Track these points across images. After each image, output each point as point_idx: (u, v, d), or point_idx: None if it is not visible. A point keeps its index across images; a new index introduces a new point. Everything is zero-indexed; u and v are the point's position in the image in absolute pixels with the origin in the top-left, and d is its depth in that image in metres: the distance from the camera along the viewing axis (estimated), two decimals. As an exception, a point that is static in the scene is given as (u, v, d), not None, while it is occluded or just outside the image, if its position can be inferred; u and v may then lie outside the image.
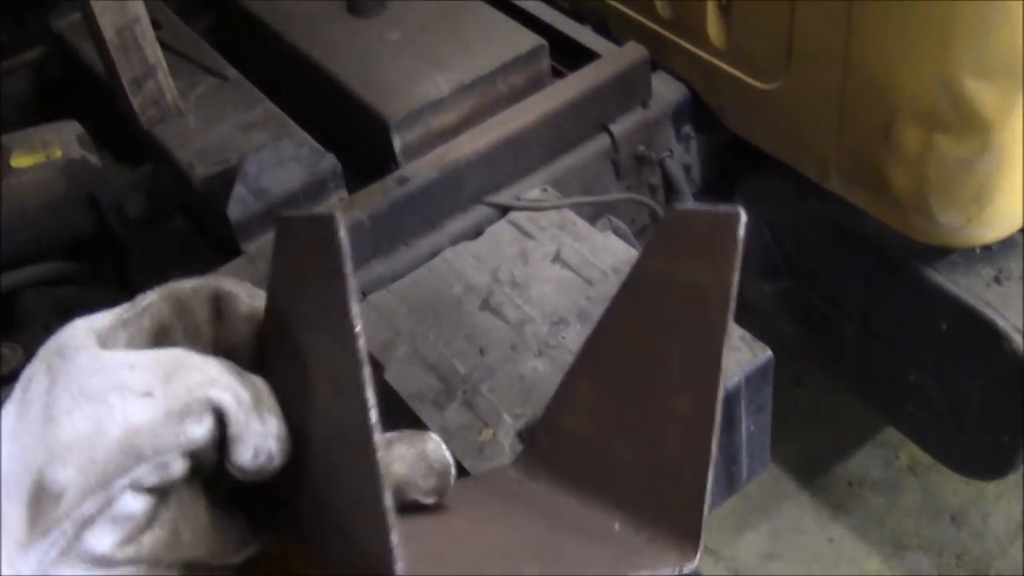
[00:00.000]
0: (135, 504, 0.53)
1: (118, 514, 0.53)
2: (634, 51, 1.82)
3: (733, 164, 1.91)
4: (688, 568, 0.54)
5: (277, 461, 0.56)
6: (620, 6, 1.89)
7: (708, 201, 1.98)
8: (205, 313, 0.59)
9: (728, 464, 1.51)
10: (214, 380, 0.54)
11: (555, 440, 0.69)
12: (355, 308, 0.50)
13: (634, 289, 0.65)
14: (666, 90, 1.86)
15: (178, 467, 0.54)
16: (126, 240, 1.68)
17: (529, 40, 1.81)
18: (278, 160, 1.63)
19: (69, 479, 0.52)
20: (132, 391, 0.52)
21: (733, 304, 0.57)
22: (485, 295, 1.56)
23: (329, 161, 1.65)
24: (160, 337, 0.58)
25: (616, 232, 1.74)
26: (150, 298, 0.58)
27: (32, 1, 2.16)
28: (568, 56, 1.87)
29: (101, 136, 1.84)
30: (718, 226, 0.58)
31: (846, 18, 1.44)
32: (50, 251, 1.73)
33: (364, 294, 1.61)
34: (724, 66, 1.73)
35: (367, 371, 0.49)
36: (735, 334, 0.54)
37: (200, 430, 0.53)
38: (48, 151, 1.73)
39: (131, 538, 0.53)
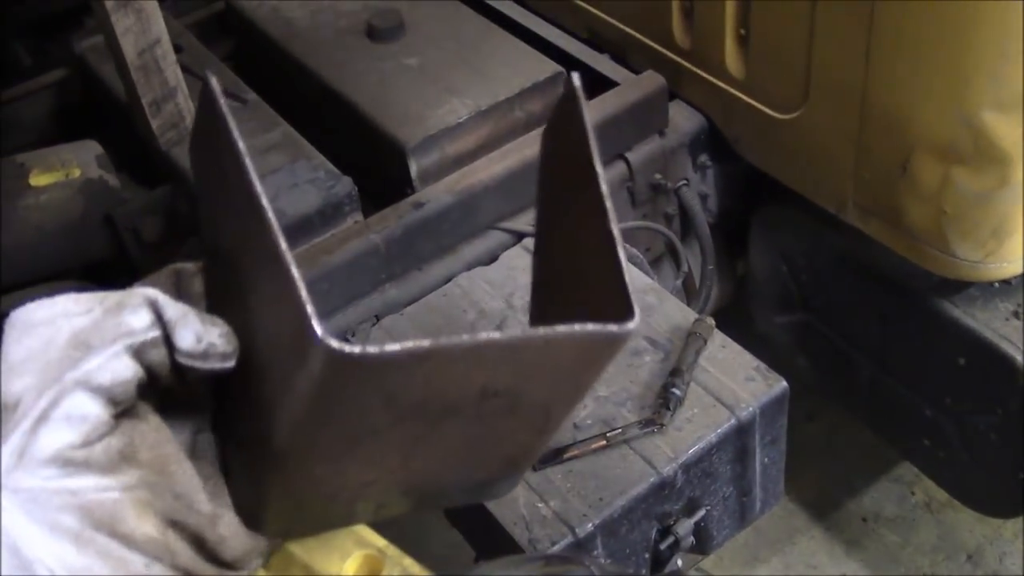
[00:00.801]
0: (91, 406, 0.56)
1: (73, 413, 0.55)
2: (652, 80, 1.82)
3: (749, 195, 1.90)
4: (631, 325, 0.64)
5: (228, 355, 0.61)
6: (638, 35, 1.89)
7: (724, 232, 1.98)
8: (170, 288, 0.66)
9: (741, 496, 1.50)
10: (147, 289, 0.61)
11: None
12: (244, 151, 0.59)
13: (544, 174, 0.86)
14: (683, 119, 1.86)
15: (127, 366, 0.57)
16: (141, 262, 1.68)
17: (547, 67, 1.81)
18: (294, 182, 1.64)
19: (25, 386, 0.55)
20: (76, 313, 0.58)
21: (592, 137, 0.75)
22: (499, 321, 1.56)
23: (345, 184, 1.65)
24: None
25: (631, 261, 1.73)
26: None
27: (54, 23, 2.19)
28: (586, 84, 1.87)
29: (120, 157, 1.85)
30: (563, 94, 0.80)
31: (864, 51, 1.44)
32: (66, 272, 1.73)
33: (377, 318, 1.61)
34: (742, 96, 1.73)
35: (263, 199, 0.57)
36: (599, 163, 0.73)
37: (138, 320, 0.58)
38: (67, 170, 1.74)
39: (86, 442, 0.55)
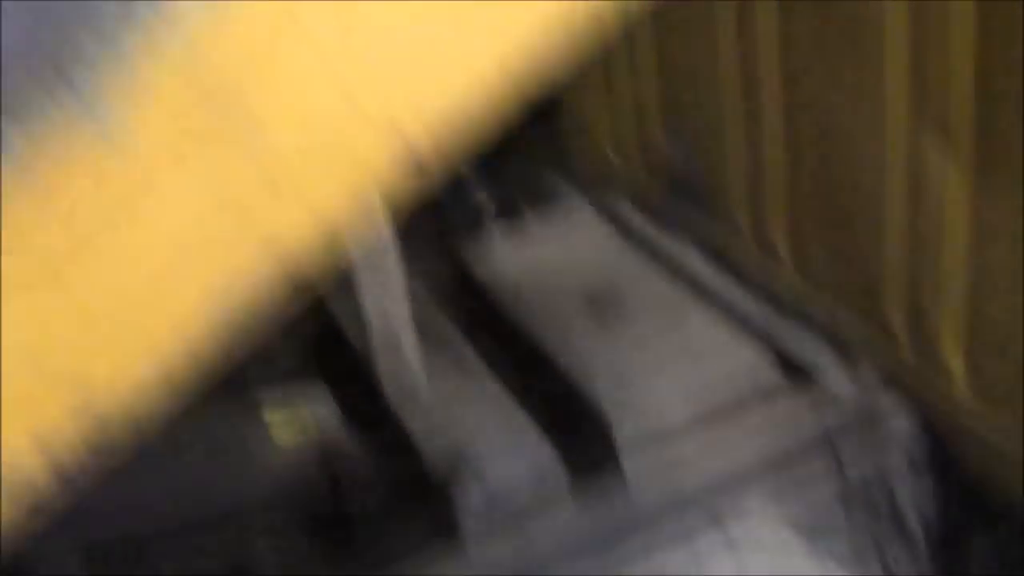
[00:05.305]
0: None
1: None
2: (868, 375, 1.79)
3: (968, 514, 1.82)
4: None
5: None
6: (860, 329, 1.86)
7: (935, 542, 1.88)
8: None
9: None
10: None
11: None
12: None
13: None
14: (900, 416, 1.81)
15: None
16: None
17: (770, 375, 1.82)
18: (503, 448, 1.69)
19: None
20: None
21: None
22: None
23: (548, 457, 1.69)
24: None
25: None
26: None
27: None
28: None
29: (344, 398, 1.95)
30: None
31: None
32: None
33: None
34: (967, 403, 1.66)
35: None
36: None
37: None
38: (300, 418, 1.85)
39: None
